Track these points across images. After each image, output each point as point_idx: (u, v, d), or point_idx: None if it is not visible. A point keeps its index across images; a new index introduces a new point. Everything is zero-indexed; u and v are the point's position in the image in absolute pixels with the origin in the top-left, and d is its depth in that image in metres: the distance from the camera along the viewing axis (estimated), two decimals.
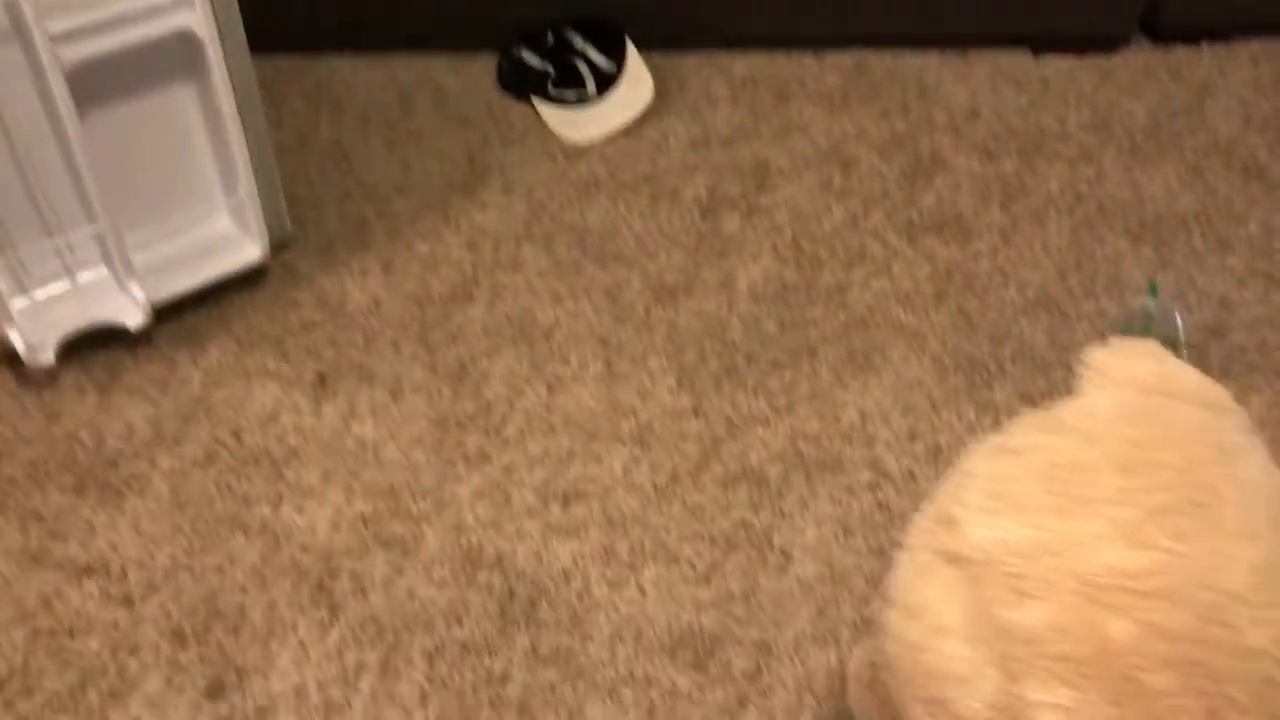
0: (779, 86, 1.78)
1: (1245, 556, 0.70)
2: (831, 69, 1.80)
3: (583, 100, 1.70)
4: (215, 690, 1.12)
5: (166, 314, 1.41)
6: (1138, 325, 1.40)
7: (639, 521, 1.26)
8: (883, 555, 1.22)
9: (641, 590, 1.20)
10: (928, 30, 1.81)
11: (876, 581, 1.20)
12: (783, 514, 1.26)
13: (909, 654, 0.74)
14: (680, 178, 1.63)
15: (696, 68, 1.79)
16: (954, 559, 0.76)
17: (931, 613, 0.73)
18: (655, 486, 1.29)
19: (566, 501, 1.28)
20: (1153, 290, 1.47)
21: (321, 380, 1.38)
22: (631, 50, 1.74)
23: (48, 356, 1.33)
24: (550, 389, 1.39)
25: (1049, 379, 1.39)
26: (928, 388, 1.38)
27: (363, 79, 1.77)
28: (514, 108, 1.73)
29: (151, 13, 1.21)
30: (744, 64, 1.80)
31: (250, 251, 1.42)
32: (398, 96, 1.75)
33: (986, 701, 0.71)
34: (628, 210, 1.59)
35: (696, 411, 1.36)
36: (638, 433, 1.34)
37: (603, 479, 1.30)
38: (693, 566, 1.22)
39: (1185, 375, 0.84)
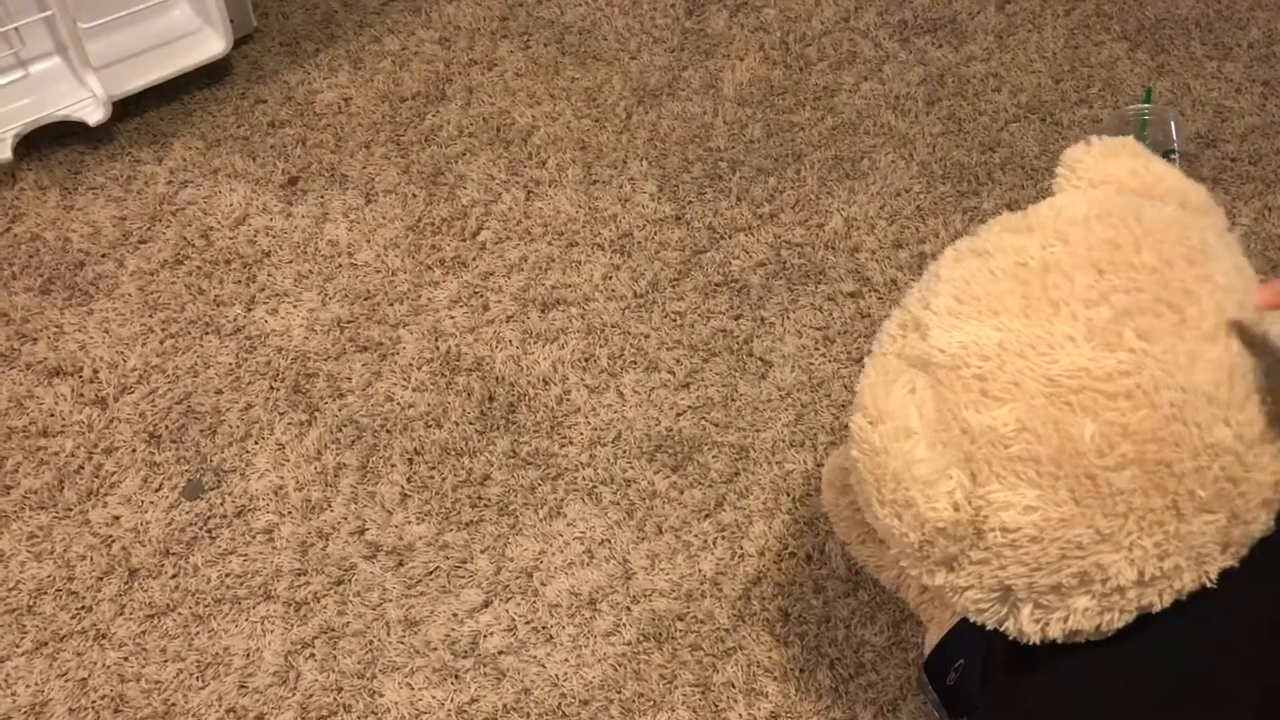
0: None
1: (1213, 356, 0.70)
2: None
3: None
4: (193, 490, 1.13)
5: (127, 110, 1.35)
6: (1131, 132, 1.36)
7: (619, 328, 1.25)
8: (862, 363, 1.22)
9: (621, 395, 1.20)
10: None
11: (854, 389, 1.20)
12: (763, 322, 1.25)
13: (875, 458, 0.73)
14: None
15: None
16: (920, 362, 0.75)
17: (897, 416, 0.73)
18: (635, 294, 1.27)
19: (545, 308, 1.26)
20: (1148, 96, 1.43)
21: (292, 181, 1.34)
22: None
23: (4, 151, 1.27)
24: (528, 194, 1.35)
25: (1038, 187, 1.36)
26: (915, 195, 1.35)
27: None
28: None
29: None
30: None
31: (213, 44, 1.35)
32: None
33: (951, 503, 0.71)
34: (608, 5, 1.52)
35: (678, 219, 1.33)
36: (618, 240, 1.32)
37: (582, 286, 1.28)
38: (672, 373, 1.22)
39: (1164, 174, 0.82)
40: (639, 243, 1.31)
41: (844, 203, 1.35)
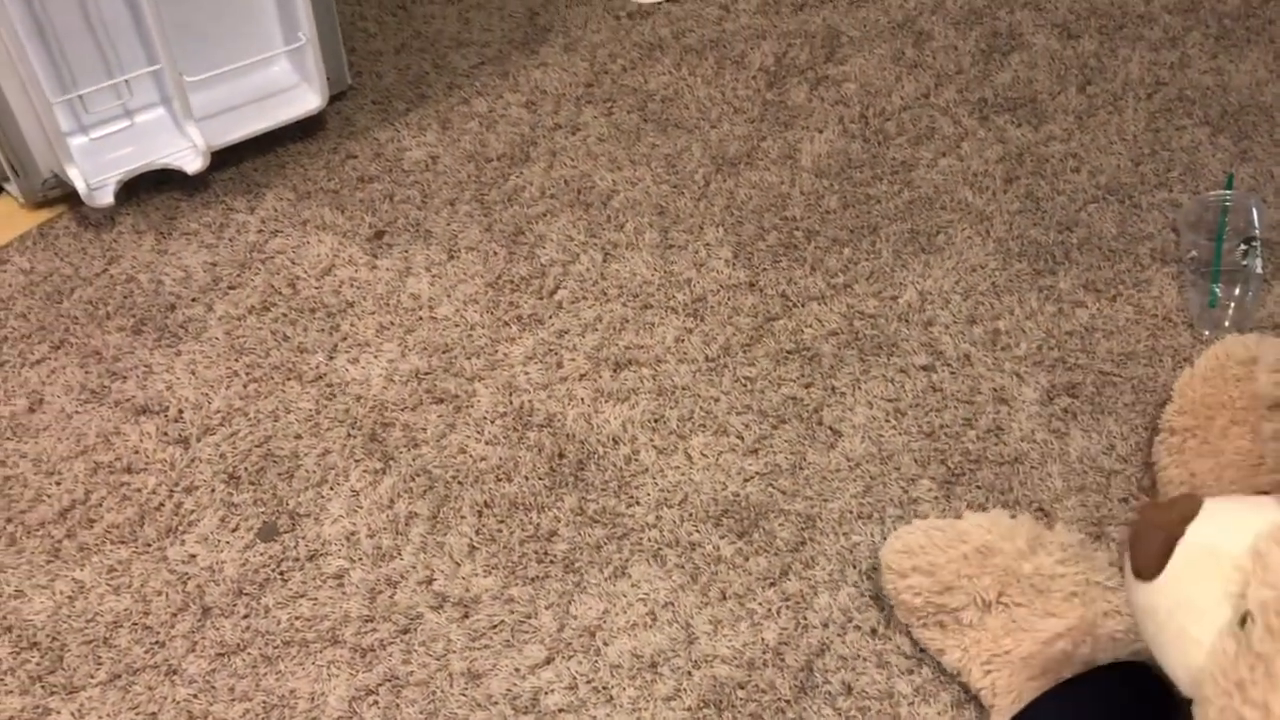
0: None
1: None
2: None
3: None
4: (268, 532, 1.15)
5: (224, 160, 1.40)
6: (1212, 218, 1.36)
7: (689, 391, 1.26)
8: (933, 437, 1.22)
9: (689, 458, 1.21)
10: None
11: (925, 463, 1.19)
12: (834, 391, 1.26)
13: None
14: (747, 43, 1.59)
15: None
16: None
17: None
18: (707, 358, 1.29)
19: (618, 368, 1.28)
20: (1229, 183, 1.42)
21: (378, 234, 1.38)
22: None
23: (106, 197, 1.33)
24: (605, 255, 1.38)
25: (1115, 269, 1.36)
26: (990, 271, 1.35)
27: None
28: None
29: None
30: None
31: (309, 100, 1.40)
32: None
33: None
34: (691, 75, 1.55)
35: (752, 285, 1.35)
36: (692, 304, 1.33)
37: (654, 348, 1.30)
38: (741, 438, 1.22)
39: None
40: (712, 307, 1.33)
41: (919, 276, 1.35)
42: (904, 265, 1.36)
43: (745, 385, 1.27)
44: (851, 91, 1.54)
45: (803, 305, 1.33)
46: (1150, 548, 0.77)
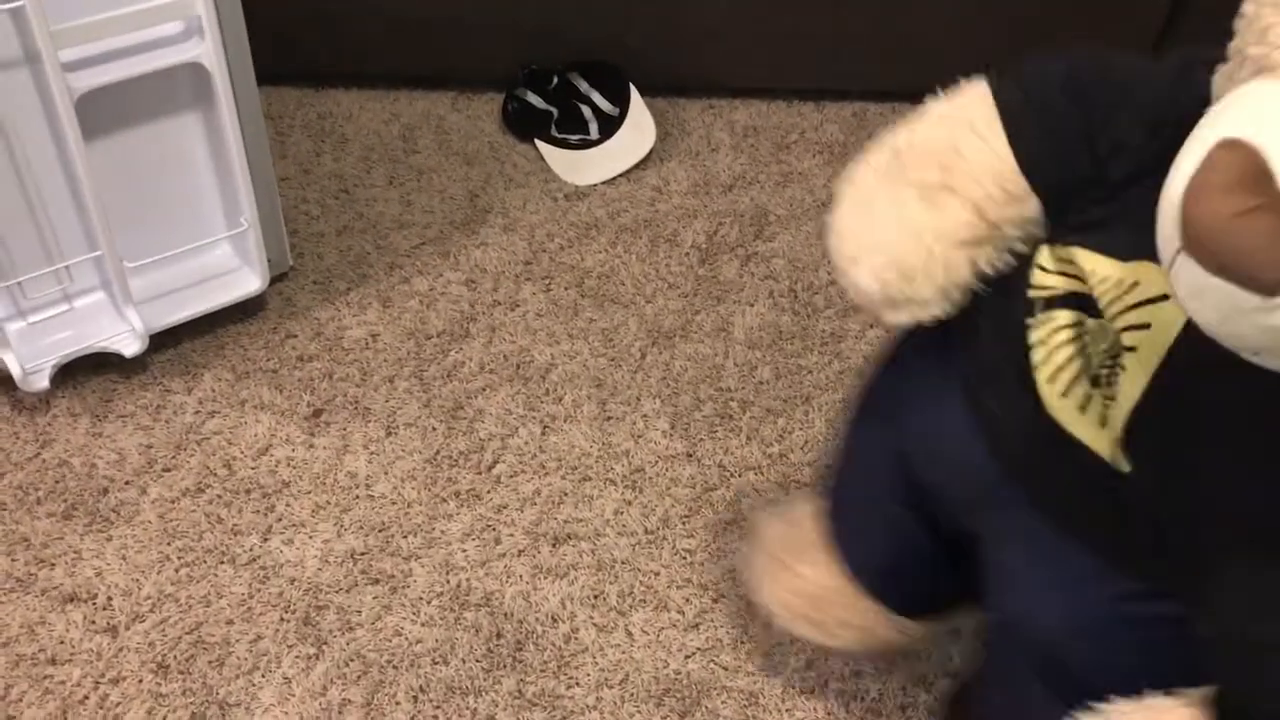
0: (779, 135, 1.79)
1: None
2: (832, 119, 1.82)
3: (586, 143, 1.72)
4: None
5: (163, 341, 1.41)
6: None
7: (629, 565, 1.26)
8: None
9: (630, 635, 1.20)
10: (925, 84, 1.82)
11: None
12: None
13: None
14: (680, 222, 1.64)
15: (699, 114, 1.81)
16: None
17: None
18: (646, 530, 1.29)
19: (556, 542, 1.28)
20: None
21: (316, 413, 1.38)
22: (635, 95, 1.75)
23: (42, 381, 1.32)
24: (544, 429, 1.39)
25: None
26: None
27: (366, 113, 1.78)
28: (517, 148, 1.74)
29: (162, 44, 1.22)
30: (745, 112, 1.82)
31: (250, 282, 1.42)
32: (401, 132, 1.76)
33: None
34: (626, 253, 1.60)
35: (690, 456, 1.36)
36: (630, 476, 1.34)
37: (593, 521, 1.30)
38: (682, 613, 1.22)
39: None
40: (650, 479, 1.34)
41: None
42: (837, 434, 1.39)
43: (685, 558, 1.27)
44: (780, 267, 1.59)
45: (740, 475, 1.35)
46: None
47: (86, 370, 1.38)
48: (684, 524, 1.30)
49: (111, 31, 1.18)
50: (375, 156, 1.72)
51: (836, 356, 1.48)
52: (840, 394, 1.43)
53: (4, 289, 1.32)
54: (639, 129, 1.73)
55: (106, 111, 1.26)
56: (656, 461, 1.36)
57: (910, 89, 1.87)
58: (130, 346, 1.35)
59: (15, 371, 1.30)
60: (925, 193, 0.80)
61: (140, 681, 1.14)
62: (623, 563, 1.26)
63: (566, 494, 1.32)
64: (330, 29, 1.71)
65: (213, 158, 1.37)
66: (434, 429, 1.38)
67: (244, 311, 1.46)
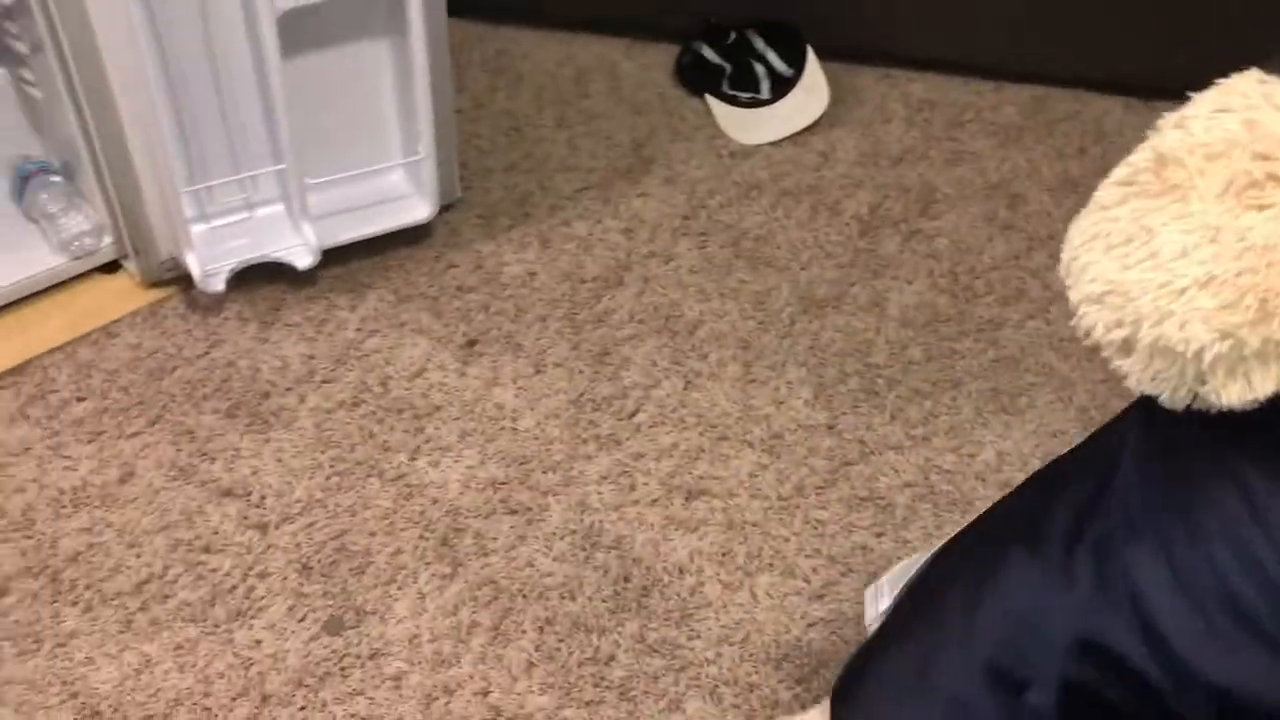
0: (954, 112, 1.75)
1: None
2: (1009, 101, 1.77)
3: (756, 102, 1.71)
4: (334, 625, 1.17)
5: (332, 258, 1.46)
6: None
7: (759, 528, 1.26)
8: None
9: (754, 596, 1.21)
10: (1112, 75, 1.76)
11: None
12: (905, 544, 1.25)
13: None
14: (843, 191, 1.63)
15: (874, 83, 1.78)
16: None
17: None
18: (780, 496, 1.30)
19: (690, 497, 1.29)
20: None
21: (470, 343, 1.42)
22: (811, 58, 1.73)
23: (218, 284, 1.39)
24: (687, 384, 1.40)
25: None
26: (1070, 439, 1.35)
27: (543, 53, 1.80)
28: (687, 101, 1.74)
29: None
30: (922, 85, 1.78)
31: (420, 209, 1.46)
32: (574, 75, 1.77)
33: None
34: (786, 217, 1.59)
35: (830, 428, 1.36)
36: (768, 440, 1.35)
37: (728, 480, 1.31)
38: (808, 581, 1.22)
39: None
40: (789, 445, 1.34)
41: (998, 436, 1.35)
42: (984, 424, 1.37)
43: (816, 528, 1.27)
44: (943, 247, 1.57)
45: (880, 453, 1.34)
46: None
47: (259, 278, 1.44)
48: (818, 494, 1.30)
49: None
50: (547, 97, 1.74)
51: (992, 344, 1.45)
52: (992, 383, 1.41)
53: (192, 193, 1.38)
54: (812, 92, 1.72)
55: (303, 32, 1.30)
56: (796, 429, 1.36)
57: (1094, 78, 1.81)
58: (303, 259, 1.41)
59: (195, 272, 1.37)
60: (1244, 194, 0.60)
61: (285, 579, 1.20)
62: (753, 525, 1.27)
63: (704, 450, 1.33)
64: None
65: (397, 85, 1.41)
66: (581, 371, 1.40)
67: (411, 237, 1.50)
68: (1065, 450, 1.35)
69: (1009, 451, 1.34)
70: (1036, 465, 1.32)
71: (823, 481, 1.31)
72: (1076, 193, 1.64)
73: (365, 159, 1.45)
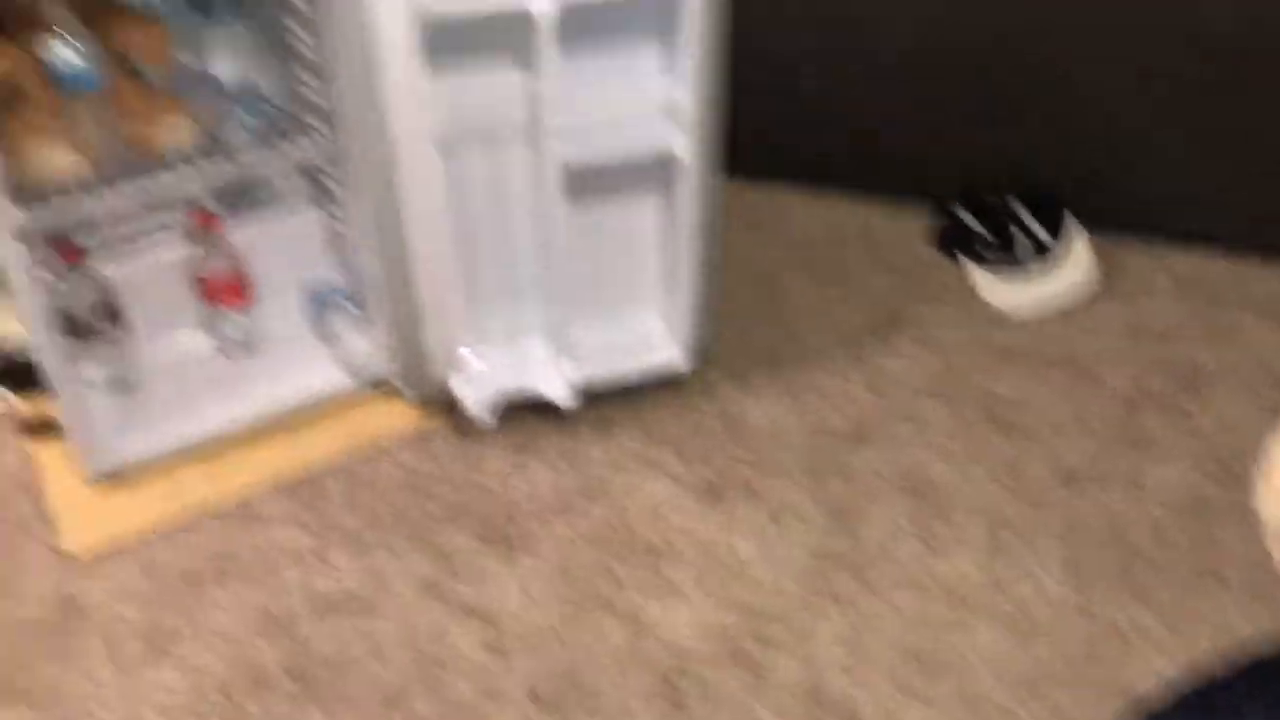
0: (1223, 290, 1.68)
1: None
2: None
3: (1016, 269, 1.69)
4: None
5: (587, 396, 1.52)
6: None
7: (1001, 711, 1.21)
8: None
9: None
10: None
11: None
12: None
13: None
14: (1105, 364, 1.58)
15: (1140, 256, 1.73)
16: None
17: None
18: (1023, 678, 1.23)
19: (926, 667, 1.25)
20: None
21: (712, 488, 1.44)
22: (1074, 227, 1.71)
23: (483, 412, 1.47)
24: (929, 548, 1.37)
25: None
26: None
27: (801, 213, 1.85)
28: (943, 264, 1.75)
29: (647, 131, 1.34)
30: (1189, 261, 1.73)
31: (674, 355, 1.51)
32: (831, 234, 1.81)
33: None
34: (1043, 386, 1.55)
35: (1082, 610, 1.29)
36: (1014, 615, 1.29)
37: (968, 654, 1.26)
38: None
39: None
40: (1036, 624, 1.28)
41: (1264, 635, 1.25)
42: (1254, 624, 1.27)
43: (1059, 716, 1.20)
44: (1209, 428, 1.49)
45: (1136, 644, 1.26)
46: None
47: (520, 409, 1.52)
48: (1066, 682, 1.23)
49: (605, 115, 1.31)
50: (803, 255, 1.78)
51: (1261, 537, 1.36)
52: (1262, 580, 1.31)
53: (467, 324, 1.48)
54: (1074, 262, 1.69)
55: (585, 184, 1.39)
56: (1045, 606, 1.30)
57: None
58: (562, 395, 1.47)
59: (464, 399, 1.45)
60: None
61: (517, 705, 1.22)
62: (993, 705, 1.21)
63: (944, 619, 1.29)
64: (781, 134, 1.80)
65: (664, 237, 1.48)
66: (820, 525, 1.39)
67: (662, 383, 1.55)
68: None
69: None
70: None
71: (1070, 667, 1.24)
72: None
73: (627, 305, 1.52)
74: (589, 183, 1.39)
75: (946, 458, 1.47)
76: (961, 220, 1.75)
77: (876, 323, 1.66)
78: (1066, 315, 1.66)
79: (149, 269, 1.52)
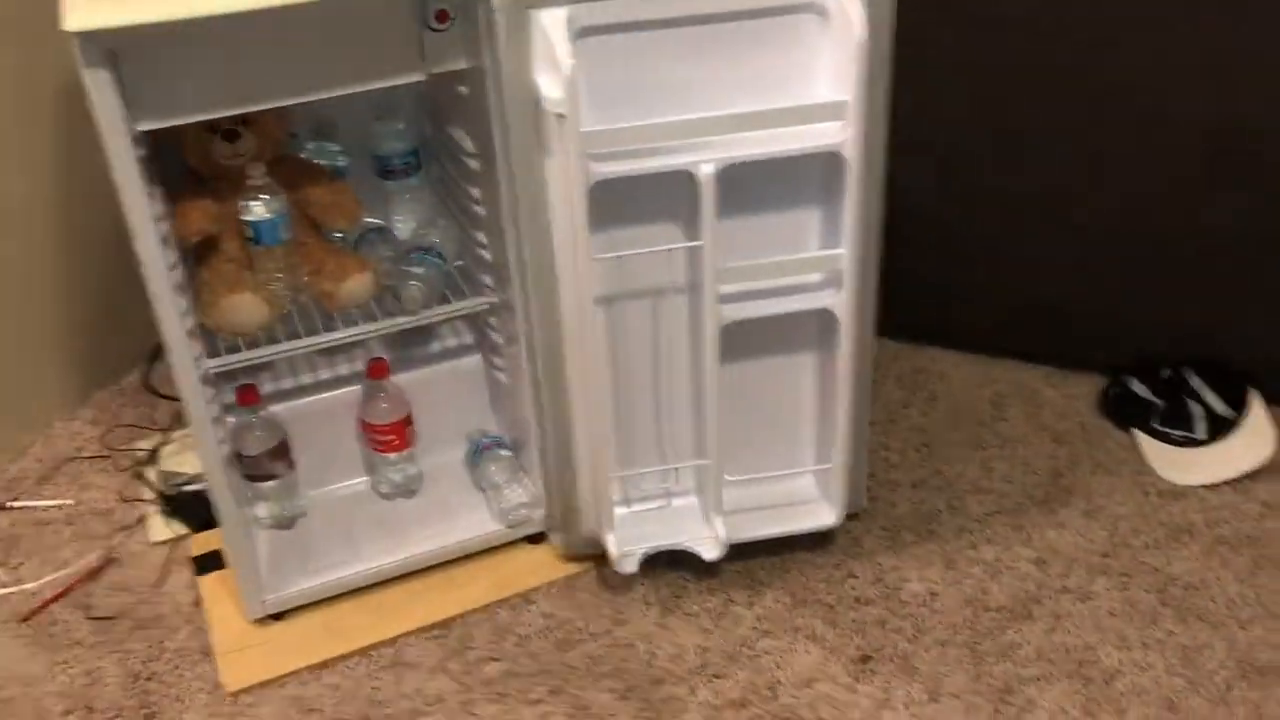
0: None
1: None
2: None
3: (1190, 441, 1.61)
4: None
5: (735, 553, 1.49)
6: None
7: None
8: None
9: None
10: None
11: None
12: None
13: None
14: None
15: None
16: None
17: None
18: None
19: None
20: None
21: (864, 659, 1.38)
22: (1256, 400, 1.63)
23: (631, 566, 1.46)
24: None
25: None
26: None
27: (960, 374, 1.81)
28: (1112, 434, 1.68)
29: (805, 290, 1.35)
30: None
31: (825, 516, 1.48)
32: (992, 398, 1.77)
33: None
34: (1222, 568, 1.46)
35: None
36: None
37: None
38: None
39: None
40: None
41: None
42: None
43: None
44: None
45: None
46: None
47: (667, 564, 1.50)
48: None
49: (765, 275, 1.33)
50: (962, 418, 1.74)
51: None
52: None
53: (619, 479, 1.48)
54: (1256, 435, 1.60)
55: (741, 341, 1.39)
56: None
57: None
58: (710, 551, 1.45)
59: (613, 552, 1.45)
60: None
61: None
62: None
63: None
64: (943, 295, 1.78)
65: (818, 395, 1.47)
66: (979, 707, 1.32)
67: (813, 542, 1.52)
68: None
69: None
70: None
71: None
72: None
73: (779, 461, 1.50)
74: (746, 339, 1.39)
75: (1118, 641, 1.38)
76: (1132, 388, 1.68)
77: (1041, 492, 1.59)
78: (1249, 493, 1.56)
79: (320, 413, 1.58)
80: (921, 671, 1.36)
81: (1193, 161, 1.57)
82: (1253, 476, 1.58)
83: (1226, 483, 1.57)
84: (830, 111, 1.24)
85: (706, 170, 1.23)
